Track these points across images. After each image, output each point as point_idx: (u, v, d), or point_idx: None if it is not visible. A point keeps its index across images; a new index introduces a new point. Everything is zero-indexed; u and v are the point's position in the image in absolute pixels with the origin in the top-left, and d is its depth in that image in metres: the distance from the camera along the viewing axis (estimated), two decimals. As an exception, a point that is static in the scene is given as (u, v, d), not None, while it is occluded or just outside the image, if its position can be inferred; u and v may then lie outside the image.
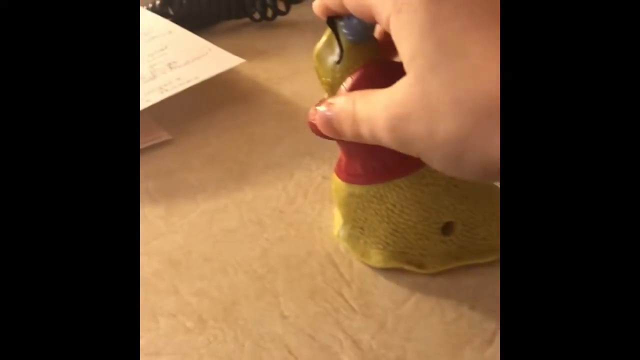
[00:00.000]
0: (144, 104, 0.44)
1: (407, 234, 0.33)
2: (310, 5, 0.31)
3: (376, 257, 0.34)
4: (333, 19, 0.30)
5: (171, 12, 0.58)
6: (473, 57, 0.23)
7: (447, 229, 0.33)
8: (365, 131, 0.27)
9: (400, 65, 0.27)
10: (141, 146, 0.44)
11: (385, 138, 0.26)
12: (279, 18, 0.60)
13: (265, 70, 0.53)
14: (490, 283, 0.33)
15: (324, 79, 0.32)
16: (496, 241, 0.34)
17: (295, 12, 0.59)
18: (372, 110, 0.26)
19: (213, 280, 0.34)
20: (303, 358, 0.30)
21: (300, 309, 0.32)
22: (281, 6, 0.59)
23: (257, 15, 0.60)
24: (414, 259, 0.33)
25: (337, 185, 0.34)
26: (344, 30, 0.30)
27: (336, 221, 0.36)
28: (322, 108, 0.30)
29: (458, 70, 0.23)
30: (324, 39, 0.31)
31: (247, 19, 0.60)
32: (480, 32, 0.24)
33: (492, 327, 0.31)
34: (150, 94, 0.45)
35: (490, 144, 0.23)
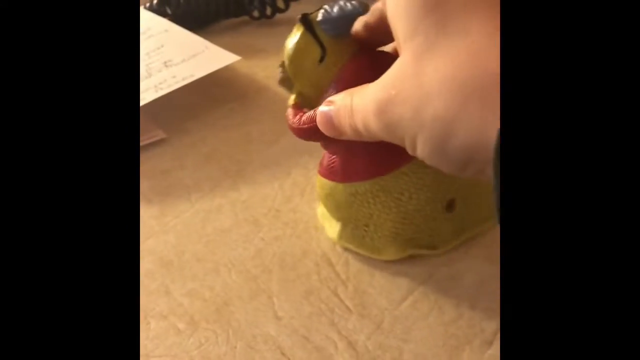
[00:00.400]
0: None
1: (416, 219, 0.32)
2: (310, 2, 0.30)
3: (388, 250, 0.33)
4: (306, 17, 0.30)
5: (169, 11, 0.57)
6: (475, 35, 0.22)
7: (450, 206, 0.33)
8: (359, 123, 0.26)
9: (387, 54, 0.26)
10: (136, 145, 0.43)
11: (373, 124, 0.25)
12: (278, 16, 0.59)
13: (263, 69, 0.52)
14: (490, 282, 0.32)
15: (306, 81, 0.31)
16: (489, 209, 0.33)
17: (295, 9, 0.58)
18: (365, 99, 0.26)
19: (205, 280, 0.33)
20: (296, 360, 0.29)
21: (295, 310, 0.31)
22: (280, 4, 0.59)
23: (256, 13, 0.59)
24: (424, 243, 0.33)
25: (331, 189, 0.33)
26: (323, 27, 0.29)
27: (330, 227, 0.35)
28: (324, 107, 0.29)
29: (457, 47, 0.22)
30: (295, 40, 0.30)
31: (245, 17, 0.59)
32: (483, 12, 0.23)
33: (493, 327, 0.30)
34: (145, 93, 0.44)
35: (479, 125, 0.22)
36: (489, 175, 0.23)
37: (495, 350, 0.29)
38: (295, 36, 0.30)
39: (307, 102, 0.32)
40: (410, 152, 0.25)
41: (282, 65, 0.32)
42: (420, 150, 0.24)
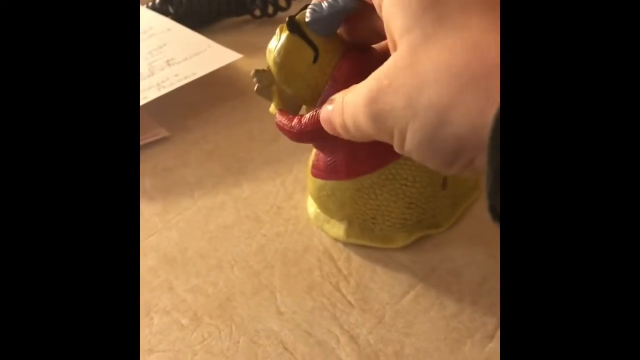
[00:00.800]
0: (141, 100, 0.43)
1: (420, 202, 0.33)
2: (311, 1, 0.30)
3: (400, 237, 0.33)
4: (294, 20, 0.29)
5: (171, 11, 0.57)
6: (472, 30, 0.22)
7: (444, 184, 0.34)
8: (349, 119, 0.26)
9: (377, 50, 0.26)
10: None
11: (362, 117, 0.25)
12: (280, 14, 0.59)
13: (264, 66, 0.52)
14: (491, 277, 0.32)
15: (302, 84, 0.30)
16: (471, 181, 0.36)
17: (296, 8, 0.58)
18: (356, 94, 0.26)
19: (208, 276, 0.34)
20: (299, 354, 0.29)
21: (297, 305, 0.32)
22: (282, 2, 0.59)
23: (257, 12, 0.59)
24: (430, 223, 0.34)
25: (333, 189, 0.33)
26: (312, 27, 0.29)
27: (333, 227, 0.35)
28: (327, 106, 0.29)
29: (454, 39, 0.23)
30: (282, 44, 0.30)
31: (247, 16, 0.60)
32: (480, 10, 0.23)
33: (494, 321, 0.30)
34: (147, 91, 0.44)
35: (475, 112, 0.21)
36: (478, 167, 0.23)
37: (496, 344, 0.29)
38: (280, 40, 0.30)
39: (289, 106, 0.32)
40: (397, 146, 0.25)
41: (257, 74, 0.32)
42: (410, 142, 0.24)
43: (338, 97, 0.28)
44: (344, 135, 0.28)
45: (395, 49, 0.25)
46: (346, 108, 0.26)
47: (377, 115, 0.24)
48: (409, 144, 0.24)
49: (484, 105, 0.21)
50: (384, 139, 0.26)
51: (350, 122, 0.26)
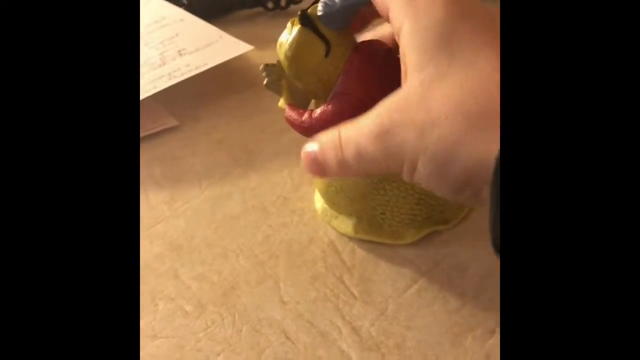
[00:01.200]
0: (151, 90, 0.44)
1: (429, 198, 0.33)
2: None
3: (409, 232, 0.34)
4: (306, 14, 0.29)
5: (184, 1, 0.58)
6: (482, 67, 0.24)
7: None
8: (350, 153, 0.26)
9: (385, 44, 0.26)
10: (148, 132, 0.44)
11: (372, 149, 0.25)
12: (293, 7, 0.59)
13: (276, 58, 0.52)
14: (494, 273, 0.32)
15: (313, 78, 0.30)
16: None
17: (309, 1, 0.59)
18: (360, 127, 0.26)
19: (214, 265, 0.34)
20: (300, 343, 0.29)
21: (300, 295, 0.32)
22: (295, -5, 0.59)
23: (270, 5, 0.59)
24: (438, 219, 0.34)
25: (342, 185, 0.33)
26: (324, 21, 0.29)
27: (342, 223, 0.35)
28: (309, 146, 0.28)
29: (466, 76, 0.24)
30: (294, 38, 0.30)
31: (260, 8, 0.60)
32: (490, 49, 0.24)
33: (496, 316, 0.30)
34: (158, 81, 0.45)
35: (482, 150, 0.22)
36: (484, 198, 0.23)
37: (497, 339, 0.29)
38: (291, 34, 0.30)
39: (299, 101, 0.32)
40: (406, 176, 0.25)
41: (267, 68, 0.32)
42: (420, 173, 0.25)
43: (328, 135, 0.27)
44: (338, 171, 0.27)
45: (406, 77, 0.26)
46: (347, 143, 0.26)
47: (388, 148, 0.25)
48: (419, 175, 0.25)
49: (490, 142, 0.22)
50: (393, 169, 0.26)
51: (352, 156, 0.26)
